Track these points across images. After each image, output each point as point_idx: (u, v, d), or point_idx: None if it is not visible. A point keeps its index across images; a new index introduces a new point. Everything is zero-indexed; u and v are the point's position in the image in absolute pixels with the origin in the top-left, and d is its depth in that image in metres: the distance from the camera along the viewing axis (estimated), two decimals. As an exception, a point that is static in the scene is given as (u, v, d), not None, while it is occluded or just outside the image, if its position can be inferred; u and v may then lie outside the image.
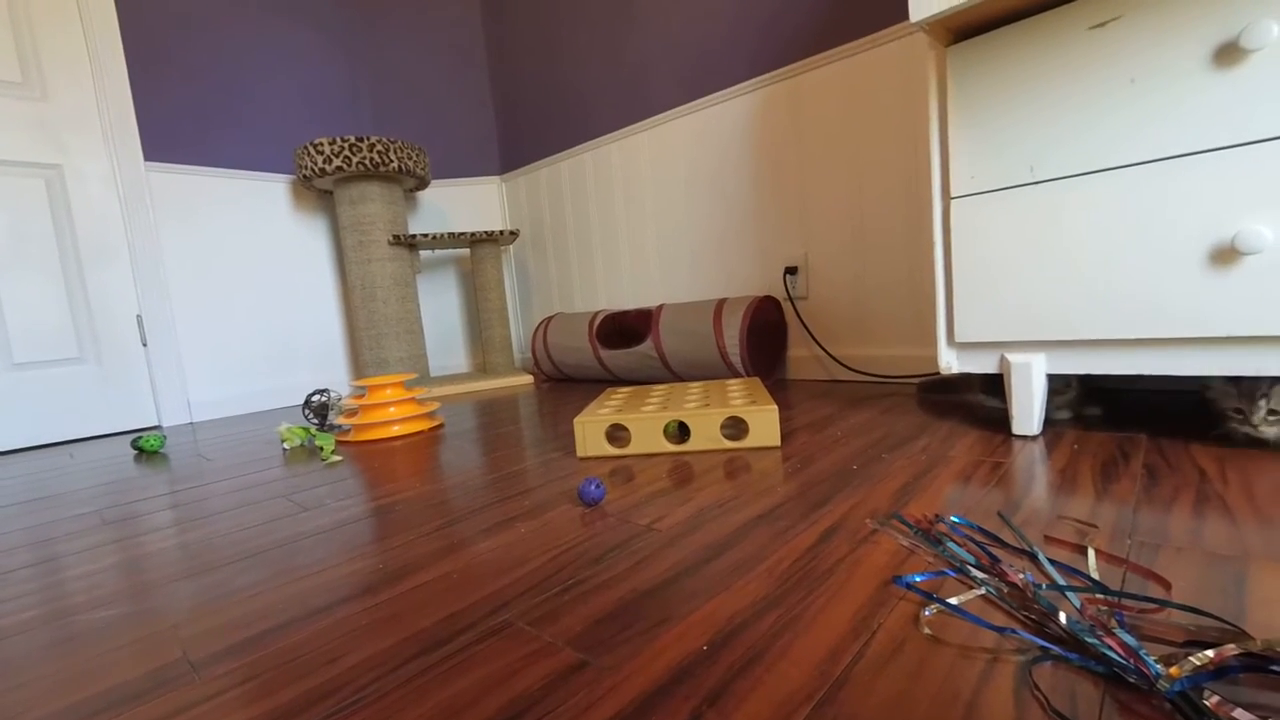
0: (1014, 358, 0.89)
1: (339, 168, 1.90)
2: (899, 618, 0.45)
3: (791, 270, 1.65)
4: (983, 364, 0.94)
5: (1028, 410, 0.89)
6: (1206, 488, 0.65)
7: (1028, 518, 0.61)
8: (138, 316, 1.85)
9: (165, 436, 1.54)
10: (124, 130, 1.81)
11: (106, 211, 1.80)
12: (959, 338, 0.94)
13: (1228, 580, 0.46)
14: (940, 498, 0.68)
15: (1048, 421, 0.97)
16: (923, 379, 1.41)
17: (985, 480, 0.73)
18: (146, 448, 1.43)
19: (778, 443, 0.97)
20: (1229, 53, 0.69)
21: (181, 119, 1.94)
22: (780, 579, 0.53)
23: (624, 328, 1.96)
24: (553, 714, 0.38)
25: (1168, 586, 0.46)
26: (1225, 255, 0.71)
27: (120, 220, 1.82)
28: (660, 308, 1.76)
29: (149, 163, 1.86)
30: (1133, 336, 0.79)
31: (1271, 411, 0.75)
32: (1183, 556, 0.51)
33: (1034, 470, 0.75)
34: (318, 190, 2.15)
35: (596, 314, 1.97)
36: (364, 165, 1.91)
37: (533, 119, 2.37)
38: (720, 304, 1.61)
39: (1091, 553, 0.52)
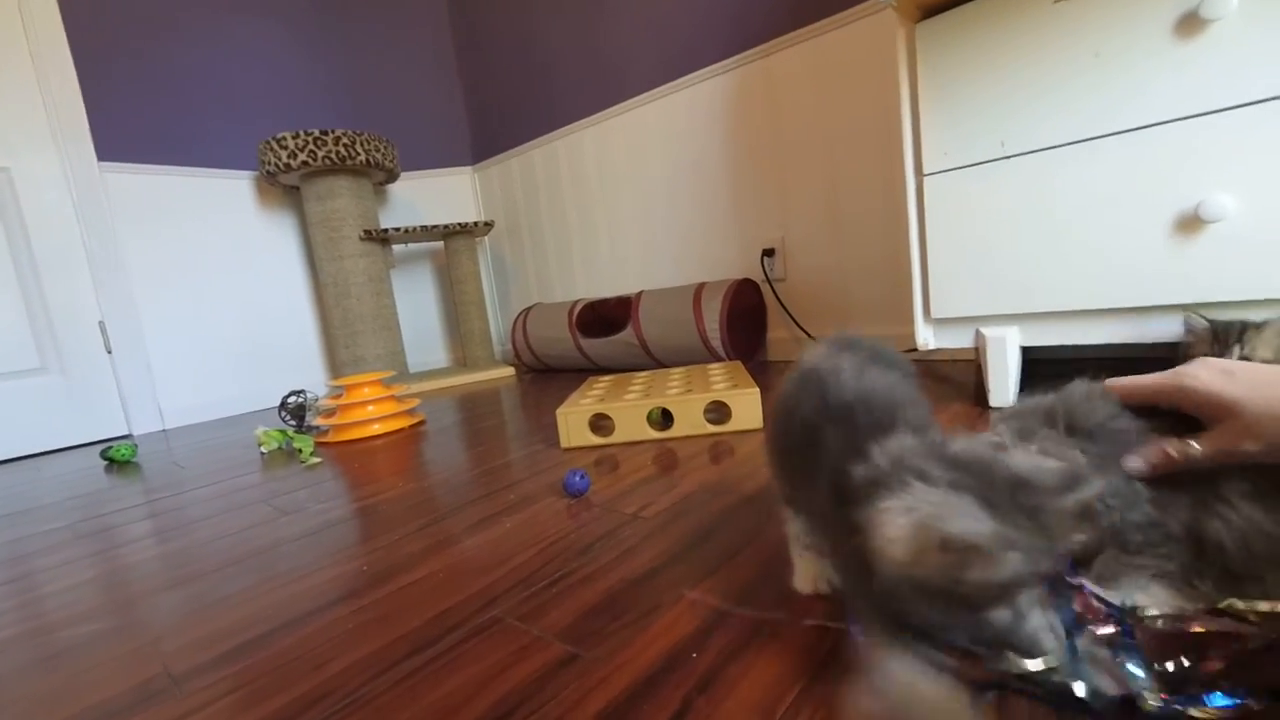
0: (989, 331, 0.90)
1: (304, 162, 1.85)
2: (884, 594, 0.46)
3: (769, 252, 1.65)
4: (958, 339, 0.95)
5: (1003, 383, 0.90)
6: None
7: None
8: (100, 323, 1.79)
9: (137, 446, 1.50)
10: (74, 129, 1.74)
11: (60, 214, 1.73)
12: (935, 314, 0.95)
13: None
14: (921, 473, 0.70)
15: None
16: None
17: (964, 454, 0.74)
18: (117, 458, 1.39)
19: (760, 425, 0.97)
20: (1190, 23, 0.69)
21: (136, 116, 1.86)
22: (766, 562, 0.53)
23: (604, 316, 1.96)
24: (545, 708, 0.38)
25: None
26: (1190, 224, 0.73)
27: (75, 223, 1.75)
28: (639, 295, 1.76)
29: (103, 162, 1.79)
30: (1104, 306, 0.80)
31: (1244, 359, 0.76)
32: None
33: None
34: (284, 186, 2.09)
35: (576, 303, 1.96)
36: (330, 159, 1.86)
37: (504, 107, 2.33)
38: (699, 289, 1.61)
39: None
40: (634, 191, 1.97)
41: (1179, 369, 0.38)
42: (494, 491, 0.83)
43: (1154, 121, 0.73)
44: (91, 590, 0.66)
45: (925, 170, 0.92)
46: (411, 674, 0.43)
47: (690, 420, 0.98)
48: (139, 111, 1.87)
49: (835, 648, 0.40)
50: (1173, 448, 0.36)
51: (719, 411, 1.00)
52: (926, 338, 0.98)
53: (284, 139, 1.83)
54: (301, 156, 1.84)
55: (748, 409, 0.97)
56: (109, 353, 1.80)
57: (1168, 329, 0.77)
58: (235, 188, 2.06)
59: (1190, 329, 0.75)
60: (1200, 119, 0.70)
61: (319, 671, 0.45)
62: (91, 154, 1.77)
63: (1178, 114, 0.72)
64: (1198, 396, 0.36)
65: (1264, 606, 0.34)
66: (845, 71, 1.44)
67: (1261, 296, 0.70)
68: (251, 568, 0.67)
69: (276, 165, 1.86)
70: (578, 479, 0.76)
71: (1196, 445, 0.35)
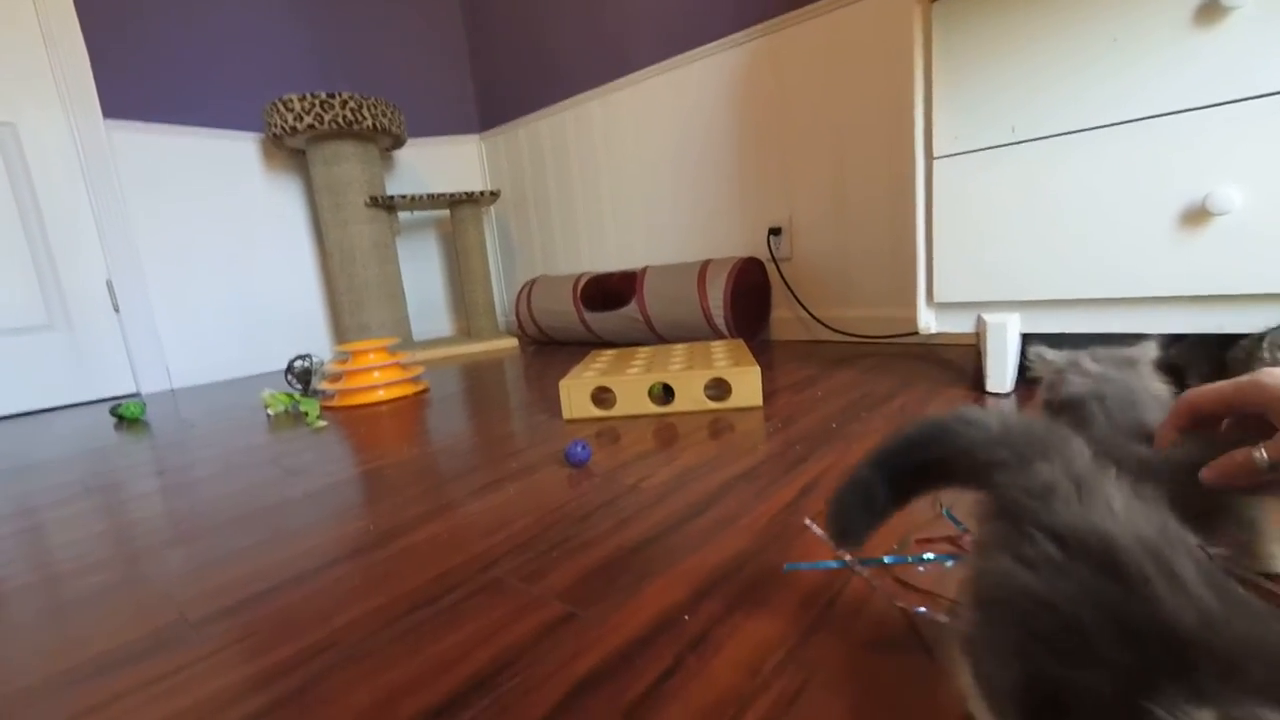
0: (990, 318, 0.90)
1: (310, 125, 1.83)
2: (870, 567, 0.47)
3: (775, 231, 1.64)
4: (960, 324, 0.96)
5: (1001, 369, 0.91)
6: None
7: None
8: (108, 282, 1.80)
9: (145, 404, 1.52)
10: (79, 85, 1.72)
11: (66, 170, 1.73)
12: (938, 298, 0.95)
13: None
14: (915, 454, 0.71)
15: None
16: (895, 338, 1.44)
17: (958, 437, 0.75)
18: (127, 415, 1.41)
19: (760, 403, 0.98)
20: (1210, 10, 0.68)
21: (143, 73, 1.84)
22: (759, 534, 0.55)
23: (608, 290, 1.96)
24: (542, 662, 0.40)
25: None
26: (1197, 216, 0.72)
27: (81, 179, 1.75)
28: (644, 270, 1.76)
29: (109, 120, 1.78)
30: (1106, 296, 0.80)
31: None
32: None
33: (1005, 427, 0.78)
34: (290, 149, 2.07)
35: (580, 276, 1.96)
36: (336, 123, 1.85)
37: (511, 75, 2.29)
38: (704, 266, 1.61)
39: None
40: (640, 165, 1.95)
41: (1254, 373, 0.36)
42: (497, 459, 0.85)
43: (1166, 111, 0.73)
44: (102, 543, 0.69)
45: (935, 154, 0.91)
46: (414, 628, 0.45)
47: (691, 396, 0.99)
48: (145, 68, 1.85)
49: (821, 616, 0.42)
50: (1239, 456, 0.35)
51: (719, 388, 1.01)
52: (928, 321, 0.98)
53: (290, 101, 1.81)
54: (308, 119, 1.82)
55: (748, 387, 0.98)
56: (116, 311, 1.82)
57: (1171, 320, 0.77)
58: (241, 149, 2.05)
59: None
60: (1212, 109, 0.70)
61: (324, 624, 0.47)
62: (97, 110, 1.75)
63: (1190, 104, 0.71)
64: (1269, 393, 0.35)
65: None
66: (854, 50, 1.41)
67: (1265, 291, 0.70)
68: (259, 525, 0.69)
69: (282, 127, 1.85)
70: (579, 449, 0.77)
71: (1264, 453, 0.34)
